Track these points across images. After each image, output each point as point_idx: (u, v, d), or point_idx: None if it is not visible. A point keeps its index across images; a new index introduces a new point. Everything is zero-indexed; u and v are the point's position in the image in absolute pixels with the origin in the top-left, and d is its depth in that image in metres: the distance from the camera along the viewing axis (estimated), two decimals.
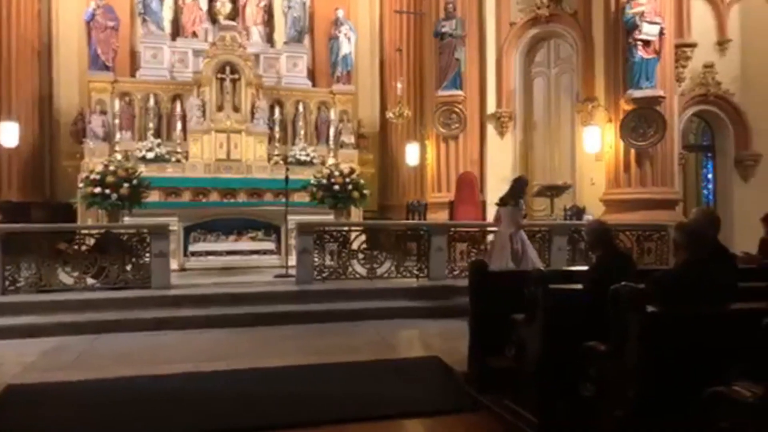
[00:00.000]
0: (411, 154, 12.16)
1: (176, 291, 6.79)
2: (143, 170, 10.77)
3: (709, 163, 11.47)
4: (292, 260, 7.55)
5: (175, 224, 8.31)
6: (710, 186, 11.42)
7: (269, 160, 11.73)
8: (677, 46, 9.86)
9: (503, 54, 11.16)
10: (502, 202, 7.20)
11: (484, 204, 10.42)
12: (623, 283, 2.89)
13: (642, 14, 8.94)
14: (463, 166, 10.94)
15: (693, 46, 10.19)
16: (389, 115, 12.15)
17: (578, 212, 9.51)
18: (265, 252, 8.98)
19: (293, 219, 7.75)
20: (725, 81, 10.47)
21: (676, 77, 9.94)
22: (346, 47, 12.89)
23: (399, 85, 12.15)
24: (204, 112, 11.69)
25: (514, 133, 11.23)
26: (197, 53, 12.38)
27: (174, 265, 7.97)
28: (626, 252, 6.28)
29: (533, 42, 11.19)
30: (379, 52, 13.95)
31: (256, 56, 12.54)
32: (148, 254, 6.71)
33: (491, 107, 11.24)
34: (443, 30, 10.71)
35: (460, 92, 10.80)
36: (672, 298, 2.94)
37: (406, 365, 4.96)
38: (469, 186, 10.46)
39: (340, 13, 13.02)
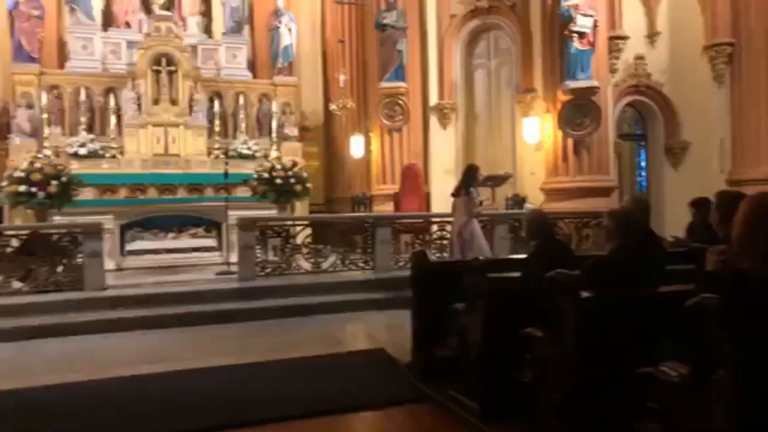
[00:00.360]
0: (356, 147, 12.10)
1: (112, 292, 6.53)
2: (75, 167, 10.32)
3: (642, 152, 11.92)
4: (235, 257, 7.38)
5: (110, 222, 7.98)
6: (643, 173, 11.88)
7: (209, 154, 11.40)
8: (610, 39, 10.17)
9: (444, 46, 11.24)
10: (456, 193, 7.19)
11: (428, 195, 10.50)
12: (559, 270, 2.95)
13: (576, 7, 9.16)
14: (407, 158, 10.98)
15: (625, 38, 10.54)
16: (333, 107, 12.04)
17: (519, 201, 9.71)
18: (206, 249, 8.75)
19: (235, 214, 7.57)
20: (655, 72, 10.88)
21: (609, 69, 10.25)
22: (287, 38, 12.66)
23: (342, 77, 12.05)
24: (139, 105, 11.23)
25: (456, 125, 11.35)
26: (131, 44, 11.87)
27: (110, 265, 7.67)
28: (563, 240, 6.43)
29: (474, 34, 11.30)
30: (321, 43, 13.78)
31: (194, 47, 12.14)
32: (80, 255, 6.41)
33: (434, 99, 11.31)
34: (384, 21, 10.67)
35: (402, 84, 10.80)
36: (605, 283, 3.02)
37: (352, 359, 4.94)
38: (414, 178, 10.51)
39: (280, 4, 12.76)
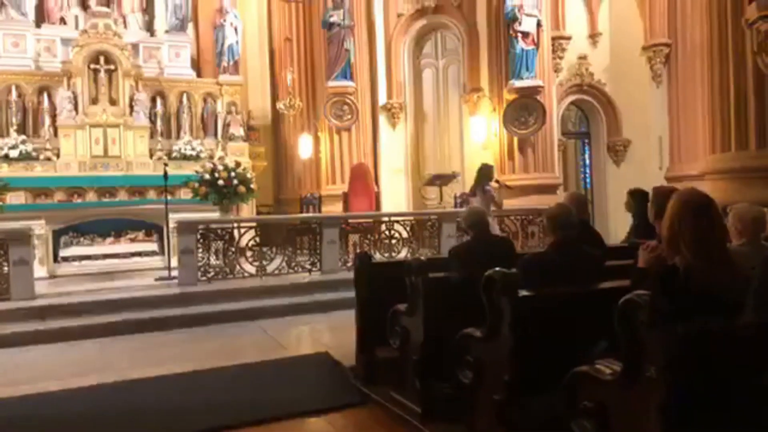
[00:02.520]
0: (304, 147, 11.94)
1: (42, 301, 6.17)
2: (5, 170, 9.81)
3: (585, 149, 12.19)
4: (176, 261, 7.12)
5: (42, 228, 7.56)
6: (587, 170, 12.15)
7: (151, 155, 11.03)
8: (554, 39, 10.35)
9: (392, 45, 11.21)
10: (472, 193, 7.61)
11: (378, 195, 10.44)
12: (497, 269, 2.90)
13: (521, 7, 9.28)
14: (356, 158, 10.90)
15: (568, 38, 10.75)
16: (280, 106, 11.84)
17: (466, 200, 9.74)
18: (147, 254, 8.41)
19: (176, 217, 7.29)
20: (597, 72, 11.14)
21: (553, 68, 10.44)
22: (232, 36, 12.35)
23: (290, 76, 11.87)
24: (76, 105, 10.77)
25: (405, 124, 11.33)
26: (66, 41, 11.36)
27: (42, 272, 7.27)
28: (504, 237, 6.48)
29: (421, 33, 11.32)
30: (268, 41, 13.53)
31: (135, 45, 11.73)
32: (6, 263, 6.04)
33: (382, 99, 11.27)
34: (332, 20, 10.56)
35: (351, 83, 10.71)
36: (541, 280, 3.00)
37: (295, 363, 4.80)
38: (363, 177, 10.43)
39: (226, 1, 12.46)
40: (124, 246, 8.44)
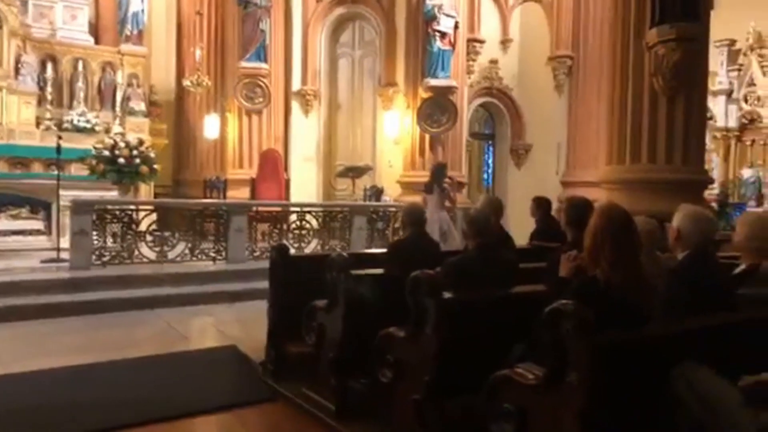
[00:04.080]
0: (210, 127, 11.44)
1: None
2: None
3: (489, 150, 12.66)
4: (67, 243, 6.57)
5: None
6: (490, 171, 12.63)
7: (38, 125, 10.09)
8: (469, 41, 10.63)
9: (309, 31, 11.00)
10: (428, 189, 7.87)
11: (288, 182, 10.23)
12: (423, 270, 2.93)
13: (440, 7, 9.43)
14: (266, 143, 10.61)
15: (482, 42, 11.08)
16: (187, 83, 11.24)
17: (377, 193, 9.82)
18: (31, 232, 7.67)
19: (68, 195, 6.71)
20: (506, 77, 11.58)
21: (467, 70, 10.71)
22: (137, 3, 11.52)
23: (198, 52, 11.29)
24: None
25: (319, 112, 11.18)
26: None
27: None
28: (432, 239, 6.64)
29: (339, 22, 11.19)
30: (176, 13, 12.78)
31: (24, 2, 10.65)
32: None
33: (296, 84, 11.04)
34: None
35: (264, 65, 10.39)
36: (462, 283, 3.07)
37: (199, 357, 4.60)
38: (273, 163, 10.19)
39: None
40: (3, 223, 7.64)
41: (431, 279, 2.87)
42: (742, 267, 2.85)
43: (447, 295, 2.87)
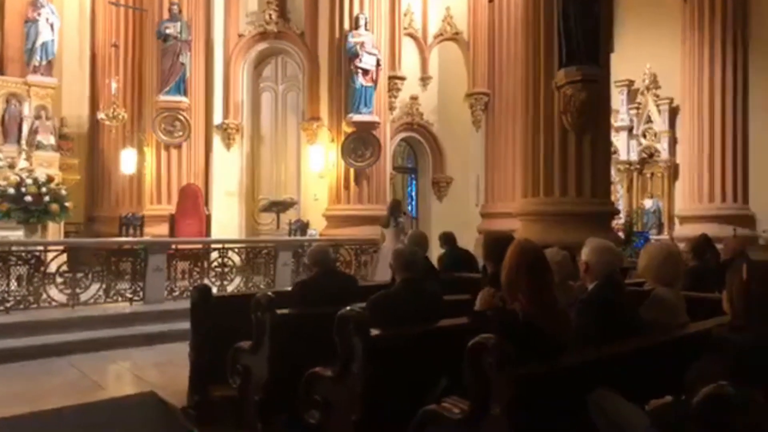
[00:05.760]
0: (127, 161, 11.04)
1: None
2: None
3: (412, 183, 12.94)
4: None
5: None
6: (413, 203, 12.89)
7: None
8: (390, 78, 10.92)
9: (231, 64, 10.93)
10: (384, 224, 8.18)
11: (209, 218, 9.98)
12: (350, 307, 2.95)
13: (362, 44, 9.65)
14: (186, 178, 10.33)
15: (403, 79, 11.41)
16: (101, 116, 10.83)
17: (302, 227, 9.77)
18: None
19: None
20: (426, 112, 11.96)
21: (389, 105, 10.98)
22: (47, 33, 11.01)
23: (114, 84, 10.94)
24: None
25: (241, 146, 11.05)
26: None
27: None
28: (349, 274, 6.68)
29: (262, 56, 11.20)
30: (90, 44, 12.37)
31: None
32: None
33: (218, 118, 10.89)
34: (167, 32, 9.98)
35: (184, 99, 10.18)
36: (389, 319, 3.10)
37: (114, 407, 4.34)
38: (193, 199, 9.90)
39: None
40: None
41: (358, 317, 2.89)
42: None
43: (374, 332, 2.90)
